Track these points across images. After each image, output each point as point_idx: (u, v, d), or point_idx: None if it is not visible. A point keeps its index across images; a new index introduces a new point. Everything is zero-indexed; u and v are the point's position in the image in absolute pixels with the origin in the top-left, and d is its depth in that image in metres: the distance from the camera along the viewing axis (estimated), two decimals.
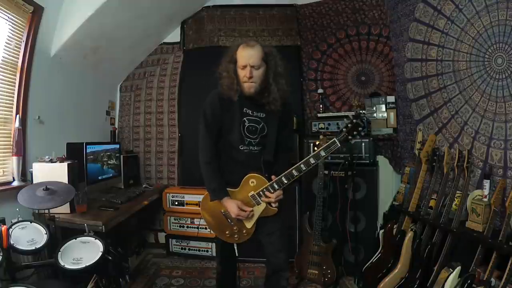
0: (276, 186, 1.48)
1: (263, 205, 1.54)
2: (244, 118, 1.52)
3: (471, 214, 1.70)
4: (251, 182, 1.53)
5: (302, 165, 1.45)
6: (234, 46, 1.51)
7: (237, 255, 1.66)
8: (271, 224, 1.58)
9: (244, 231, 1.59)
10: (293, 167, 1.46)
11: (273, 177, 1.50)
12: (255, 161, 1.54)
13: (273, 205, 1.53)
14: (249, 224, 1.58)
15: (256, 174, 1.53)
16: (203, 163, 1.55)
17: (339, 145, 1.41)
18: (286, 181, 1.47)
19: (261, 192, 1.51)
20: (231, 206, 1.52)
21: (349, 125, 1.40)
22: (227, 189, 1.56)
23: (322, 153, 1.42)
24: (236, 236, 1.61)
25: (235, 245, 1.65)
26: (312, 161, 1.43)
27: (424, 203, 2.03)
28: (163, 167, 3.31)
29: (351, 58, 2.97)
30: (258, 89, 1.47)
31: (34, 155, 2.13)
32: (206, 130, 1.54)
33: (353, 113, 2.43)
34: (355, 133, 1.40)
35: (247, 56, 1.43)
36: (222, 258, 1.81)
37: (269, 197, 1.50)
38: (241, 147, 1.53)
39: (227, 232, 1.61)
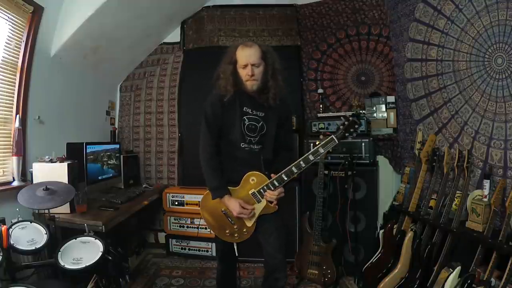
0: (276, 183, 1.50)
1: (263, 203, 1.55)
2: (244, 117, 1.55)
3: (471, 214, 1.70)
4: (252, 180, 1.55)
5: (301, 162, 1.47)
6: (232, 47, 1.54)
7: (237, 254, 1.66)
8: (270, 224, 1.59)
9: (244, 230, 1.60)
10: (293, 164, 1.48)
11: (272, 175, 1.52)
12: (255, 159, 1.56)
13: (274, 202, 1.54)
14: (249, 223, 1.58)
15: (256, 172, 1.54)
16: (204, 161, 1.57)
17: (337, 142, 1.44)
18: (286, 178, 1.49)
19: (261, 190, 1.53)
20: (233, 204, 1.52)
21: (345, 122, 1.45)
22: (228, 187, 1.57)
23: (321, 150, 1.45)
24: (236, 235, 1.61)
25: (235, 244, 1.65)
26: (311, 158, 1.45)
27: (424, 203, 2.03)
28: (163, 167, 3.31)
29: (351, 58, 2.97)
30: (260, 86, 1.51)
31: (34, 155, 2.13)
32: (208, 130, 1.56)
33: (351, 113, 2.47)
34: (351, 130, 1.44)
35: (247, 55, 1.47)
36: (222, 258, 1.82)
37: (271, 195, 1.51)
38: (242, 144, 1.55)
39: (227, 231, 1.61)
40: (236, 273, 1.87)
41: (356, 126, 1.44)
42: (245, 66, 1.48)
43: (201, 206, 1.67)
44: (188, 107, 3.20)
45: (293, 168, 1.47)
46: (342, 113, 2.71)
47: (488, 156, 1.76)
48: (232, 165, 1.59)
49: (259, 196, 1.54)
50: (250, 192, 1.54)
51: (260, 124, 1.57)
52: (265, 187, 1.52)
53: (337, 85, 3.03)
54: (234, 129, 1.54)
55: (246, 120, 1.55)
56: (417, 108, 2.33)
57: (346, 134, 1.44)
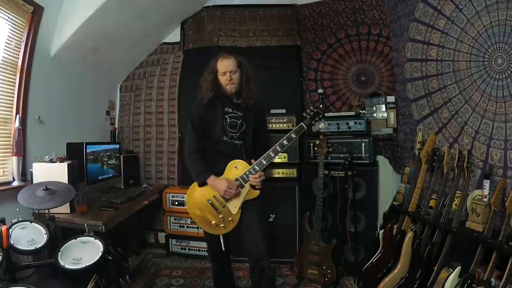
0: (257, 167, 1.69)
1: (246, 188, 1.71)
2: (226, 116, 1.77)
3: (471, 214, 1.70)
4: (235, 167, 1.73)
5: (277, 147, 1.69)
6: (213, 60, 1.81)
7: (223, 249, 1.75)
8: (251, 212, 1.72)
9: (229, 219, 1.72)
10: (270, 149, 1.69)
11: (253, 161, 1.71)
12: (237, 151, 1.76)
13: (257, 186, 1.70)
14: (234, 209, 1.70)
15: (239, 160, 1.73)
16: (189, 153, 1.77)
17: (305, 128, 1.75)
18: (265, 162, 1.69)
19: (244, 176, 1.70)
20: (220, 182, 1.68)
21: (311, 113, 1.79)
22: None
23: (293, 135, 1.71)
24: (222, 225, 1.72)
25: (221, 238, 1.74)
26: (285, 143, 1.70)
27: (424, 203, 2.03)
28: (163, 167, 3.31)
29: (351, 58, 2.97)
30: (237, 89, 1.77)
31: (34, 155, 2.13)
32: (193, 130, 1.78)
33: (353, 113, 2.51)
34: (316, 119, 1.81)
35: (226, 65, 1.75)
36: (213, 256, 1.91)
37: (253, 178, 1.68)
38: (224, 138, 1.76)
39: (213, 222, 1.72)
40: (230, 270, 1.97)
41: (320, 116, 1.81)
42: (224, 73, 1.74)
43: (187, 201, 1.81)
44: (188, 107, 3.13)
45: (271, 153, 1.68)
46: (343, 113, 2.72)
47: (488, 156, 1.76)
48: (216, 157, 1.77)
49: (242, 182, 1.70)
50: (234, 178, 1.70)
51: (240, 121, 1.79)
52: (247, 172, 1.69)
53: (337, 85, 3.03)
54: (217, 126, 1.75)
55: (228, 118, 1.77)
56: (417, 108, 2.33)
57: (313, 122, 1.80)
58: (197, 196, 1.75)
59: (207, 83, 1.78)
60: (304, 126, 1.75)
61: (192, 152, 1.77)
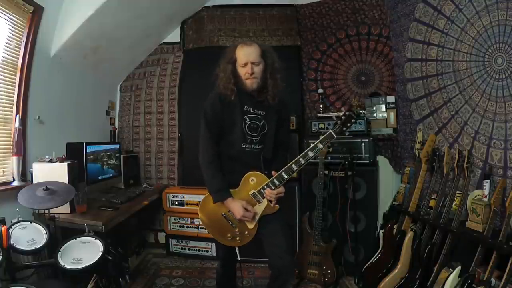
0: (276, 182, 1.48)
1: (264, 203, 1.52)
2: (245, 116, 1.53)
3: (471, 214, 1.70)
4: (251, 180, 1.52)
5: (300, 159, 1.46)
6: (232, 47, 1.54)
7: (239, 259, 1.63)
8: (274, 224, 1.55)
9: (246, 233, 1.57)
10: (292, 161, 1.47)
11: (273, 172, 1.50)
12: (255, 159, 1.55)
13: (273, 202, 1.51)
14: (251, 225, 1.55)
15: (256, 172, 1.53)
16: (206, 162, 1.53)
17: (335, 136, 1.44)
18: (286, 176, 1.47)
19: (261, 190, 1.50)
20: (236, 206, 1.49)
21: (342, 117, 1.45)
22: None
23: (320, 146, 1.44)
24: (238, 238, 1.58)
25: (236, 248, 1.61)
26: (310, 154, 1.45)
27: (424, 203, 2.03)
28: (163, 167, 3.31)
29: (351, 58, 2.97)
30: (260, 84, 1.51)
31: (34, 155, 2.13)
32: (207, 130, 1.53)
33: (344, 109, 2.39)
34: (349, 124, 1.45)
35: (247, 54, 1.47)
36: (224, 260, 1.80)
37: (270, 193, 1.48)
38: (243, 145, 1.53)
39: (228, 236, 1.58)
40: (235, 274, 1.85)
41: (353, 120, 1.45)
42: (245, 64, 1.47)
43: (201, 210, 1.63)
44: (188, 107, 3.20)
45: (293, 166, 1.46)
46: (343, 113, 2.71)
47: (488, 156, 1.76)
48: (231, 166, 1.56)
49: (259, 197, 1.52)
50: (250, 193, 1.52)
51: (261, 123, 1.56)
52: (265, 186, 1.50)
53: (337, 85, 3.03)
54: (235, 128, 1.52)
55: (248, 119, 1.53)
56: (417, 108, 2.33)
57: (344, 129, 1.45)
58: (212, 208, 1.56)
59: (227, 74, 1.50)
60: (334, 134, 1.43)
61: (210, 162, 1.52)
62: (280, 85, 1.54)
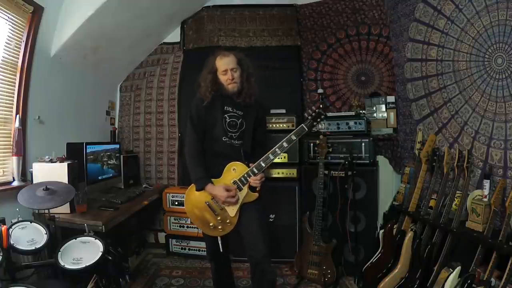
0: (255, 170, 1.65)
1: (244, 191, 1.68)
2: (225, 115, 1.72)
3: (471, 214, 1.70)
4: (233, 170, 1.69)
5: (277, 149, 1.64)
6: (211, 58, 1.76)
7: (221, 250, 1.72)
8: (251, 214, 1.68)
9: (228, 221, 1.69)
10: (269, 151, 1.64)
11: (251, 164, 1.68)
12: (236, 153, 1.72)
13: (258, 188, 1.68)
14: (232, 212, 1.68)
15: (237, 162, 1.69)
16: (189, 156, 1.73)
17: (306, 129, 1.66)
18: (264, 165, 1.64)
19: (242, 178, 1.66)
20: (218, 190, 1.64)
21: (313, 114, 1.69)
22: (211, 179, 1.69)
23: (293, 137, 1.65)
24: (220, 227, 1.69)
25: (219, 239, 1.71)
26: (285, 144, 1.64)
27: (424, 203, 2.03)
28: (163, 167, 3.31)
29: (351, 58, 2.97)
30: (239, 88, 1.72)
31: (34, 155, 2.13)
32: (193, 129, 1.73)
33: (353, 113, 2.49)
34: (318, 120, 1.69)
35: (226, 63, 1.70)
36: (212, 256, 1.89)
37: (254, 180, 1.65)
38: (223, 138, 1.71)
39: (211, 224, 1.70)
40: (231, 272, 1.94)
41: (322, 117, 1.69)
42: (225, 71, 1.69)
43: (186, 200, 1.77)
44: (188, 107, 3.17)
45: (270, 155, 1.63)
46: (343, 113, 2.72)
47: (488, 156, 1.76)
48: (214, 159, 1.72)
49: (240, 184, 1.66)
50: (231, 181, 1.67)
51: (240, 120, 1.74)
52: (245, 175, 1.66)
53: (337, 85, 3.03)
54: (217, 125, 1.71)
55: (227, 117, 1.72)
56: (417, 108, 2.33)
57: (314, 123, 1.69)
58: (196, 198, 1.72)
59: (206, 83, 1.72)
60: (305, 127, 1.66)
61: (194, 155, 1.72)
62: (254, 87, 1.75)
